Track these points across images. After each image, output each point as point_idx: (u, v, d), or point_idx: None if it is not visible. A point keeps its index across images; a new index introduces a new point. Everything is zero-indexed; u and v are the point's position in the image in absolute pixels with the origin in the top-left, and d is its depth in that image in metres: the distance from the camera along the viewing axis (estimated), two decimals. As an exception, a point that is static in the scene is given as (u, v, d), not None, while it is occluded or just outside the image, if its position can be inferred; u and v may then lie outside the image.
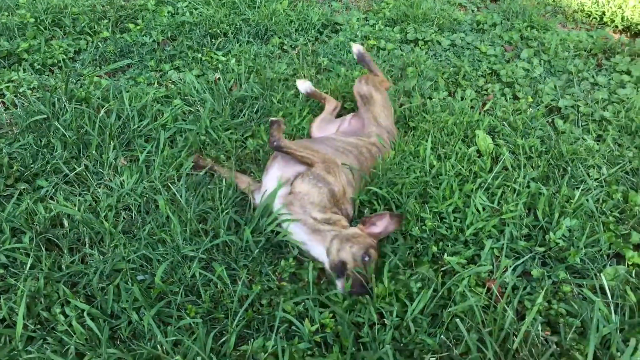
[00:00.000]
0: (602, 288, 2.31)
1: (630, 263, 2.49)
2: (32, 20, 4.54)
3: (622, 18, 5.07)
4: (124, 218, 2.69)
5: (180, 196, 2.76)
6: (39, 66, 4.05)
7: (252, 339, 2.10)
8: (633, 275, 2.41)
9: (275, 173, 2.74)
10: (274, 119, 2.90)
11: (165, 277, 2.33)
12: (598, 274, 2.38)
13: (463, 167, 2.98)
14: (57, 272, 2.37)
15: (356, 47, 3.80)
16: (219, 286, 2.27)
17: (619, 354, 1.96)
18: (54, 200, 2.80)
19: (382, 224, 2.53)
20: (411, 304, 2.21)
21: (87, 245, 2.52)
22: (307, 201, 2.56)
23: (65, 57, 4.18)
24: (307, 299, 2.25)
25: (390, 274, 2.36)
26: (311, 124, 3.44)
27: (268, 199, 2.60)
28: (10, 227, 2.55)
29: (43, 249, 2.46)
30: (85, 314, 2.14)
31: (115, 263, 2.38)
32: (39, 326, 2.14)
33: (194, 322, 2.13)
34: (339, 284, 2.31)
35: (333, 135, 3.22)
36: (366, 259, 2.34)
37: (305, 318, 2.16)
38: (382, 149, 3.07)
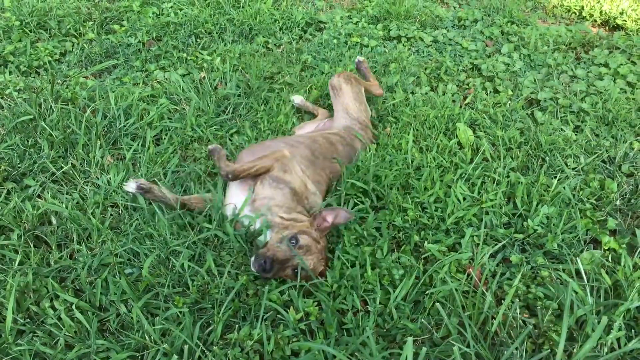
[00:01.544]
0: (578, 272, 2.38)
1: (606, 248, 2.56)
2: (18, 23, 4.56)
3: (600, 12, 5.16)
4: (111, 215, 2.73)
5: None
6: (25, 68, 4.07)
7: (238, 328, 2.16)
8: (609, 259, 2.48)
9: (237, 186, 2.75)
10: (211, 147, 2.89)
11: (153, 270, 2.37)
12: (575, 259, 2.45)
13: (444, 158, 3.05)
14: (46, 267, 2.41)
15: (357, 59, 3.93)
16: (205, 278, 2.31)
17: (593, 333, 2.03)
18: (41, 199, 2.84)
19: (331, 218, 2.56)
20: (394, 291, 2.27)
21: (75, 242, 2.55)
22: (272, 204, 2.58)
23: (51, 58, 4.21)
24: (292, 287, 2.30)
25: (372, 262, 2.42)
26: (295, 128, 3.51)
27: (237, 212, 2.61)
28: (-2, 225, 2.59)
29: (32, 245, 2.50)
30: (74, 307, 2.18)
31: (103, 258, 2.42)
32: (28, 320, 2.18)
33: (181, 313, 2.18)
34: (251, 260, 2.34)
35: (291, 135, 3.25)
36: (292, 241, 2.38)
37: (291, 306, 2.21)
38: (350, 138, 3.12)
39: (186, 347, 2.01)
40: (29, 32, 4.53)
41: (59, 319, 2.16)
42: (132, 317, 2.16)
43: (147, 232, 2.58)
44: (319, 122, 3.50)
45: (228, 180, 2.69)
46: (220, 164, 2.72)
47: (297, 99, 3.72)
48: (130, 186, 2.67)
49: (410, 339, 1.83)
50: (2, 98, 3.65)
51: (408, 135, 3.16)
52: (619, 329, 2.07)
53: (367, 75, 3.82)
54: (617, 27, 5.07)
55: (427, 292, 2.30)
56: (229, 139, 3.35)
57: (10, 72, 3.99)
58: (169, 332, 2.12)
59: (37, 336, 2.12)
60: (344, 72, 3.56)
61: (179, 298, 2.21)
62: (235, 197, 2.69)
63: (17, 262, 2.39)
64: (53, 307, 2.21)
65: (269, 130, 3.37)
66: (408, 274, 2.34)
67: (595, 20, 5.17)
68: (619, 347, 2.06)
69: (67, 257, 2.50)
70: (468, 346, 2.03)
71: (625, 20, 4.99)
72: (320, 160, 2.88)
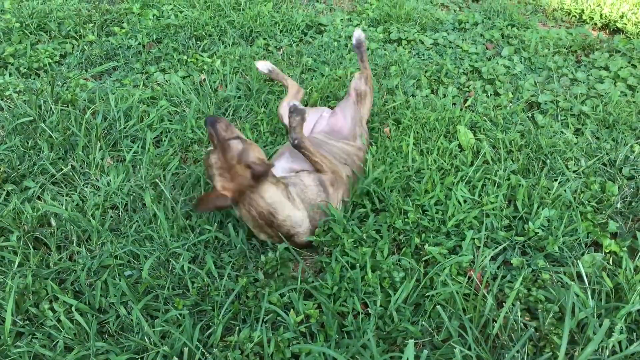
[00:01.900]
0: (579, 275, 2.37)
1: (607, 251, 2.56)
2: (18, 24, 4.57)
3: (601, 15, 5.16)
4: (111, 216, 2.73)
5: (167, 194, 2.80)
6: (25, 70, 4.07)
7: (238, 330, 2.15)
8: (610, 262, 2.47)
9: (284, 165, 2.79)
10: (297, 105, 2.73)
11: (153, 273, 2.36)
12: (576, 262, 2.45)
13: (445, 161, 3.05)
14: (45, 269, 2.40)
15: (357, 32, 3.53)
16: (205, 280, 2.31)
17: (595, 336, 2.02)
18: (41, 200, 2.83)
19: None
20: (394, 294, 2.26)
21: (74, 243, 2.55)
22: (302, 191, 2.57)
23: (51, 60, 4.21)
24: (292, 290, 2.29)
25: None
26: (281, 107, 3.36)
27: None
28: (-3, 227, 2.59)
29: (31, 247, 2.50)
30: (73, 309, 2.18)
31: (102, 260, 2.42)
32: (27, 322, 2.18)
33: (180, 315, 2.17)
34: None
35: (325, 139, 3.06)
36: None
37: (291, 309, 2.20)
38: (363, 153, 3.08)
39: (186, 349, 2.00)
40: (29, 34, 4.53)
41: (59, 320, 2.16)
42: (131, 319, 2.15)
43: (147, 234, 2.57)
44: (317, 116, 3.34)
45: (292, 144, 2.70)
46: (296, 128, 2.70)
47: (262, 65, 3.61)
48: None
49: (411, 342, 1.82)
50: (2, 100, 3.65)
51: (409, 137, 3.15)
52: (620, 332, 2.06)
53: (364, 59, 3.52)
54: (618, 31, 5.07)
55: (427, 294, 2.29)
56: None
57: (10, 74, 3.99)
58: (169, 335, 2.12)
59: (37, 338, 2.11)
60: (367, 75, 3.42)
61: (179, 300, 2.20)
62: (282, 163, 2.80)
63: (16, 263, 2.39)
64: (52, 309, 2.20)
65: (269, 133, 3.36)
66: (409, 277, 2.34)
67: (596, 24, 5.17)
68: (620, 350, 2.05)
69: (67, 259, 2.49)
70: (469, 349, 2.02)
71: (626, 24, 4.98)
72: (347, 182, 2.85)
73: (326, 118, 3.28)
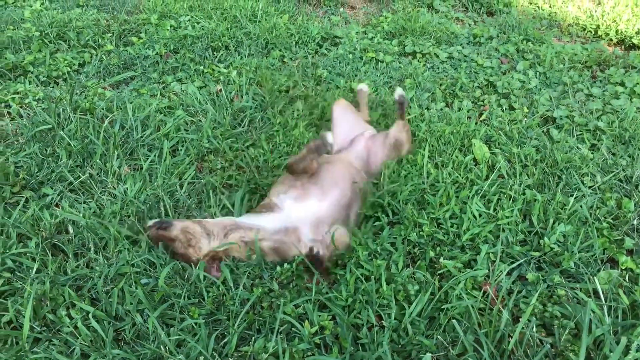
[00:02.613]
0: (595, 291, 2.36)
1: (623, 267, 2.54)
2: (37, 33, 4.64)
3: (617, 31, 5.16)
4: (127, 224, 2.75)
5: (183, 203, 2.83)
6: (44, 78, 4.13)
7: (253, 340, 2.15)
8: (626, 279, 2.46)
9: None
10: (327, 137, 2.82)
11: (169, 281, 2.38)
12: (592, 278, 2.43)
13: (460, 174, 3.05)
14: (63, 276, 2.42)
15: (399, 91, 3.33)
16: (221, 289, 2.32)
17: (611, 354, 2.01)
18: (59, 208, 2.86)
19: None
20: (409, 307, 2.26)
21: (92, 251, 2.57)
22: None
23: (69, 69, 4.27)
24: (307, 301, 2.30)
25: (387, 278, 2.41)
26: (337, 103, 3.41)
27: None
28: (16, 233, 2.61)
29: (49, 253, 2.52)
30: (90, 316, 2.19)
31: (119, 267, 2.44)
32: (44, 328, 2.19)
33: (196, 324, 2.18)
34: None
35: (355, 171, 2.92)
36: None
37: (306, 320, 2.20)
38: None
39: (201, 358, 2.01)
40: (48, 43, 4.60)
41: (75, 327, 2.17)
42: (147, 327, 2.17)
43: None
44: (360, 128, 3.28)
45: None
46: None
47: (364, 87, 3.72)
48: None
49: (428, 355, 1.82)
50: (21, 107, 3.70)
51: (423, 150, 3.16)
52: (637, 350, 2.04)
53: (404, 116, 3.32)
54: (633, 47, 5.06)
55: (442, 308, 2.29)
56: (245, 151, 3.37)
57: (29, 82, 4.05)
58: (184, 344, 2.13)
59: (53, 344, 2.13)
60: (408, 126, 3.29)
61: (195, 309, 2.21)
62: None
63: (34, 270, 2.41)
64: (69, 316, 2.22)
65: (284, 144, 3.38)
66: (423, 290, 2.33)
67: (611, 39, 5.17)
68: (638, 368, 2.04)
69: (84, 266, 2.51)
70: (484, 364, 2.01)
71: (641, 40, 4.99)
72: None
73: (366, 139, 3.19)
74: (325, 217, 2.58)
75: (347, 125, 3.33)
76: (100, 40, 4.67)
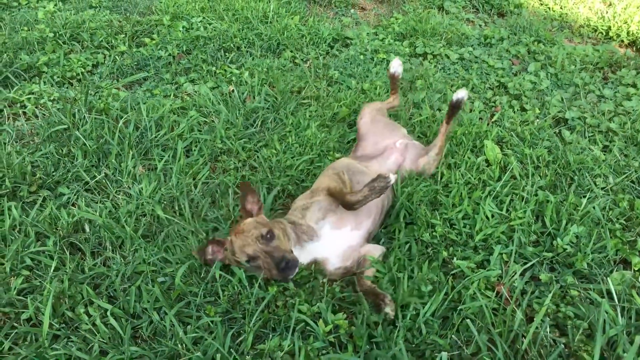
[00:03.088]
0: (609, 292, 2.37)
1: (636, 269, 2.55)
2: (51, 34, 4.68)
3: (628, 33, 5.15)
4: (142, 224, 2.78)
5: (197, 203, 2.86)
6: (59, 79, 4.17)
7: (268, 338, 2.18)
8: (639, 280, 2.47)
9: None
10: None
11: (185, 280, 2.41)
12: (605, 279, 2.44)
13: (472, 175, 3.06)
14: (80, 274, 2.46)
15: (462, 93, 3.11)
16: (236, 288, 2.34)
17: (625, 354, 2.02)
18: (75, 207, 2.90)
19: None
20: (423, 307, 2.28)
21: (108, 250, 2.60)
22: None
23: (83, 70, 4.31)
24: (320, 300, 2.32)
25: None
26: (366, 107, 3.41)
27: None
28: (34, 232, 2.65)
29: (67, 252, 2.56)
30: (108, 313, 2.22)
31: (136, 266, 2.47)
32: (63, 325, 2.23)
33: (212, 322, 2.21)
34: None
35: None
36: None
37: (320, 319, 2.23)
38: None
39: (218, 355, 2.04)
40: (62, 44, 4.64)
41: (94, 325, 2.20)
42: (164, 325, 2.20)
43: (176, 244, 2.62)
44: (391, 134, 3.21)
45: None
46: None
47: (399, 66, 3.62)
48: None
49: (444, 354, 1.84)
50: (36, 107, 3.74)
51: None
52: (651, 351, 2.05)
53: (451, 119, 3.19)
54: (645, 48, 5.06)
55: (456, 307, 2.30)
56: (257, 152, 3.39)
57: (44, 82, 4.09)
58: (201, 341, 2.15)
59: (72, 341, 2.16)
60: (444, 147, 3.19)
61: (211, 307, 2.24)
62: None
63: (52, 268, 2.44)
64: (87, 313, 2.25)
65: (297, 144, 3.40)
66: (437, 291, 2.35)
67: (623, 41, 5.16)
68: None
69: (101, 265, 2.55)
70: (498, 363, 2.03)
71: (653, 41, 4.98)
72: None
73: (397, 153, 3.11)
74: (357, 245, 2.61)
75: (375, 135, 3.25)
76: (113, 41, 4.71)
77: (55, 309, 2.25)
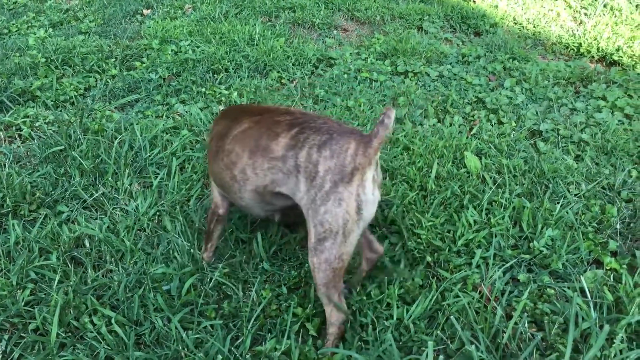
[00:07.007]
0: (582, 290, 2.53)
1: (608, 268, 2.73)
2: (43, 60, 4.82)
3: (598, 49, 5.41)
4: (140, 238, 2.90)
5: (192, 218, 3.00)
6: (52, 102, 4.29)
7: (268, 338, 2.31)
8: (611, 278, 2.64)
9: None
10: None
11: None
12: (579, 278, 2.61)
13: (453, 185, 3.23)
14: (84, 285, 2.57)
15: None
16: (238, 294, 2.48)
17: (595, 342, 2.18)
18: (75, 224, 3.02)
19: None
20: (410, 308, 2.43)
21: (109, 263, 2.72)
22: None
23: (76, 93, 4.44)
24: (311, 304, 2.46)
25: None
26: None
27: None
28: (38, 247, 2.77)
29: (71, 265, 2.68)
30: (112, 321, 2.34)
31: (138, 276, 2.59)
32: (69, 334, 2.34)
33: (212, 326, 2.34)
34: None
35: None
36: None
37: (313, 320, 2.37)
38: None
39: (219, 357, 2.16)
40: (54, 69, 4.77)
41: (99, 332, 2.32)
42: (167, 330, 2.32)
43: (174, 256, 2.75)
44: None
45: None
46: None
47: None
48: None
49: (431, 343, 1.99)
50: (32, 130, 3.86)
51: (418, 163, 3.35)
52: (621, 341, 2.22)
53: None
54: (614, 63, 5.30)
55: (442, 304, 2.46)
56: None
57: (39, 106, 4.21)
58: (201, 345, 2.28)
59: (79, 349, 2.27)
60: None
61: (211, 310, 2.37)
62: None
63: (56, 280, 2.56)
64: (92, 322, 2.37)
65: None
66: (423, 293, 2.50)
67: (593, 57, 5.42)
68: (622, 359, 2.20)
69: (102, 277, 2.67)
70: (481, 358, 2.18)
71: (622, 57, 5.23)
72: None
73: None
74: None
75: None
76: (104, 65, 4.85)
77: (60, 319, 2.36)
